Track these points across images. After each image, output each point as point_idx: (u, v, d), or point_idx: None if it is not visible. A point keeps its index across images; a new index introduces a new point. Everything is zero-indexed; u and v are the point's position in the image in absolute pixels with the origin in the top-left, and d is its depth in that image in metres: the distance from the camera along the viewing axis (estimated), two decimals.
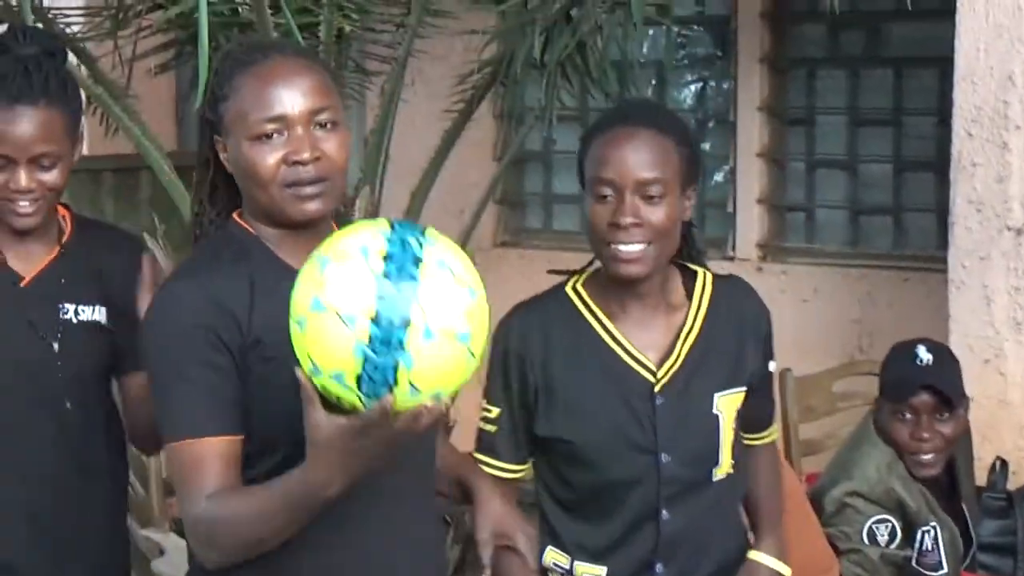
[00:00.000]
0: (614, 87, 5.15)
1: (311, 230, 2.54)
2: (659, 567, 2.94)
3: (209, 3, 3.66)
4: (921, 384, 3.90)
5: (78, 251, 3.20)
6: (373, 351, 2.14)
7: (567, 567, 2.97)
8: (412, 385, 2.16)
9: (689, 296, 2.97)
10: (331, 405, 2.26)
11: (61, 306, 3.14)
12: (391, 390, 2.16)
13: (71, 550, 3.19)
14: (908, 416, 3.91)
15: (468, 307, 2.20)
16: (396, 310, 2.13)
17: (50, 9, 4.92)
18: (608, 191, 2.81)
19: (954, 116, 4.82)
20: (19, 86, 3.10)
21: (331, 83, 2.66)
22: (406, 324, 2.13)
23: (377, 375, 2.15)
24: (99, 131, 5.63)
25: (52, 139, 3.07)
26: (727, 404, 2.95)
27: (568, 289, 2.98)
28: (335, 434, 2.23)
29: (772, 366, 3.07)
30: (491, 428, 2.99)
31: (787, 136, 5.98)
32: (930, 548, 3.94)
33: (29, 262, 3.14)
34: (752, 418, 3.05)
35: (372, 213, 4.86)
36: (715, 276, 3.02)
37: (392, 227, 2.22)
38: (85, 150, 6.14)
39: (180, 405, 2.54)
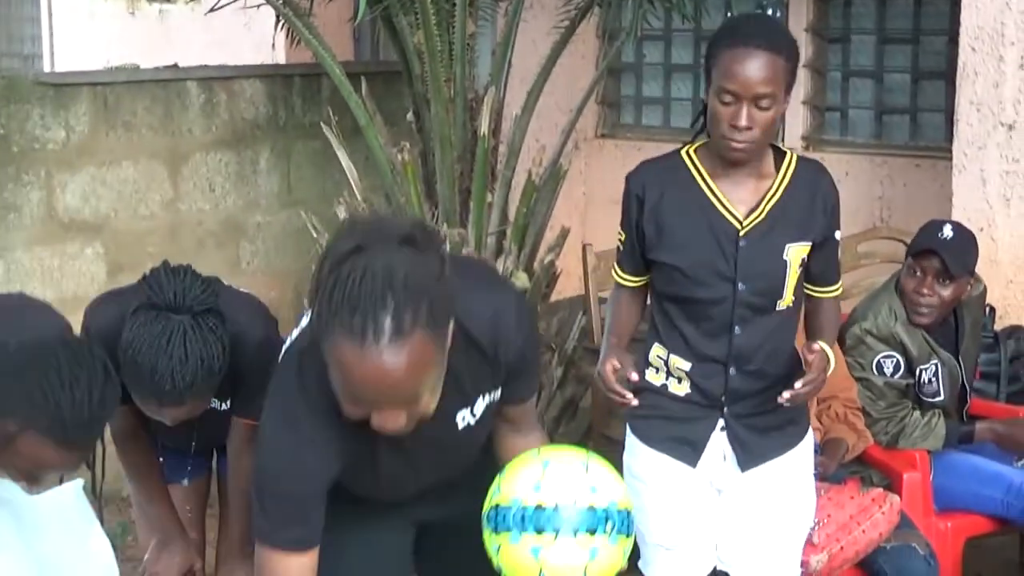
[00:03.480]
0: (690, 11, 5.19)
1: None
2: (732, 370, 3.02)
3: None
4: (932, 249, 3.94)
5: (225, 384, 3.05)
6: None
7: (665, 358, 3.03)
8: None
9: (777, 170, 3.01)
10: None
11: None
12: None
13: None
14: (918, 273, 3.97)
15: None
16: None
17: None
18: (730, 98, 2.85)
19: (961, 35, 4.85)
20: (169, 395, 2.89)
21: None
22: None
23: None
24: (281, 46, 6.00)
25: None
26: (794, 253, 2.98)
27: (683, 152, 3.04)
28: None
29: (838, 235, 3.07)
30: (620, 247, 3.10)
31: (827, 51, 5.93)
32: (929, 381, 4.02)
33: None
34: (819, 274, 3.09)
35: (498, 109, 4.93)
36: (800, 157, 3.08)
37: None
38: (280, 59, 6.36)
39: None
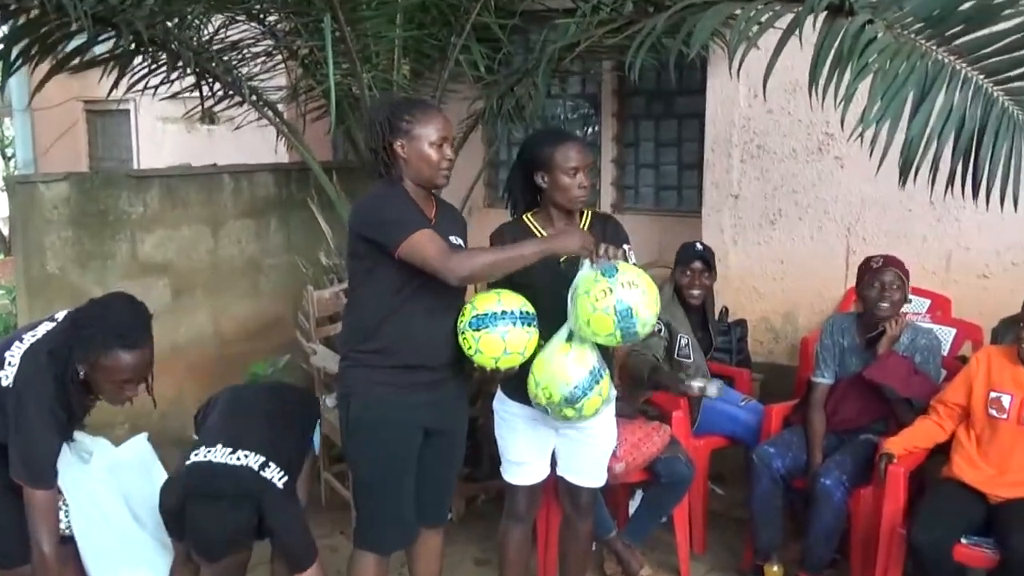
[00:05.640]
0: (539, 126, 5.05)
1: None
2: None
3: (336, 85, 3.70)
4: (696, 256, 4.00)
5: None
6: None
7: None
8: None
9: (581, 220, 3.00)
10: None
11: None
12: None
13: None
14: (688, 273, 3.99)
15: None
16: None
17: (258, 88, 4.68)
18: (575, 170, 2.87)
19: (706, 142, 4.82)
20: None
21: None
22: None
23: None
24: (283, 150, 5.78)
25: None
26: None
27: (524, 217, 3.01)
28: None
29: (626, 247, 2.91)
30: None
31: (625, 152, 5.72)
32: (683, 345, 3.97)
33: None
34: None
35: None
36: (593, 212, 3.08)
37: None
38: (283, 159, 6.10)
39: (397, 220, 2.64)
